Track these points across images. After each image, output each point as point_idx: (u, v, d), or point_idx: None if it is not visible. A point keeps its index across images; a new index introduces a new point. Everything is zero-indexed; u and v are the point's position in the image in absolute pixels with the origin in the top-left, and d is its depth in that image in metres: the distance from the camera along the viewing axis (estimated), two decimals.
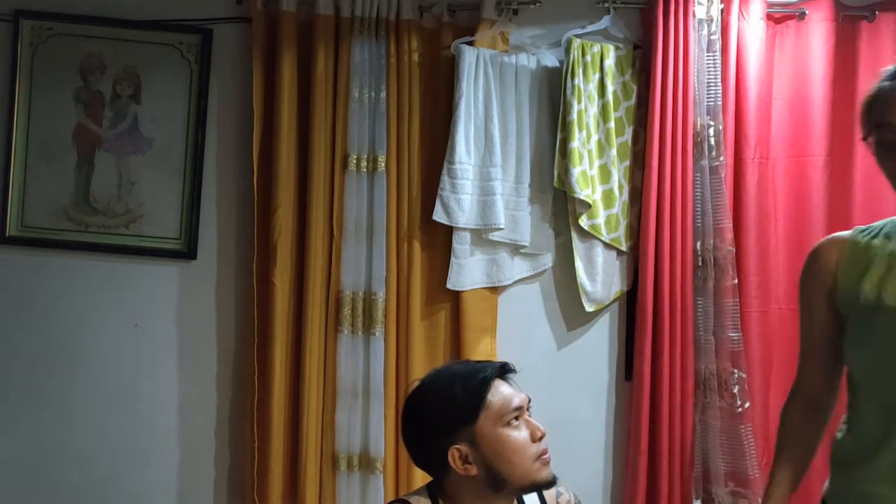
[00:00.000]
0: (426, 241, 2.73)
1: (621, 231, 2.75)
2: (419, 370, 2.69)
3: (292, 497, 2.68)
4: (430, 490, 1.66)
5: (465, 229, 2.69)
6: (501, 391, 1.62)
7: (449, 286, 2.70)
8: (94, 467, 2.78)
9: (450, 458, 1.59)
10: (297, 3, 2.70)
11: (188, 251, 2.78)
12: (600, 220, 2.72)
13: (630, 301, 2.78)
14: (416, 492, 1.68)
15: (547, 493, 1.74)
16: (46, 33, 2.76)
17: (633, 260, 2.78)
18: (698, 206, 2.70)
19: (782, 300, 2.77)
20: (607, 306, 2.80)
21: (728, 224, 2.68)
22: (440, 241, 2.74)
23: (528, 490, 1.64)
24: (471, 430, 1.58)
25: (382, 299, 2.68)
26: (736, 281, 2.69)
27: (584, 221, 2.70)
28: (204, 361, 2.80)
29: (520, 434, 1.60)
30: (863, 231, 1.73)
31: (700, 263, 2.70)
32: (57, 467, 2.78)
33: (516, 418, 1.61)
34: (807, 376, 1.79)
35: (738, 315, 2.69)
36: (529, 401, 1.67)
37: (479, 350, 2.69)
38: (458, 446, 1.59)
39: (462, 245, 2.70)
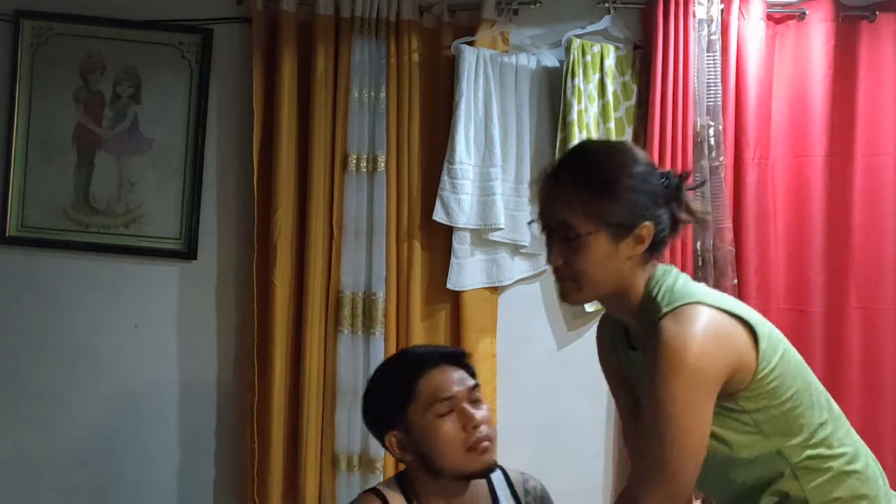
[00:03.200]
0: (426, 241, 2.73)
1: None
2: None
3: (292, 497, 2.68)
4: (398, 479, 1.71)
5: (465, 229, 2.69)
6: (436, 379, 1.63)
7: (449, 286, 2.70)
8: (94, 467, 2.78)
9: (387, 444, 1.66)
10: (297, 3, 2.70)
11: (188, 251, 2.78)
12: None
13: None
14: (386, 482, 1.73)
15: (514, 477, 1.77)
16: (46, 33, 2.76)
17: None
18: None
19: (782, 300, 2.77)
20: None
21: (728, 224, 2.68)
22: (440, 241, 2.74)
23: (463, 479, 1.64)
24: (404, 418, 1.63)
25: (382, 299, 2.68)
26: (736, 281, 2.69)
27: None
28: (204, 361, 2.80)
29: (450, 425, 1.61)
30: None
31: (700, 263, 2.70)
32: (57, 467, 2.78)
33: (450, 409, 1.61)
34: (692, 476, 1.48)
35: None
36: (476, 386, 1.67)
37: (480, 350, 2.69)
38: (393, 433, 1.65)
39: (462, 245, 2.70)
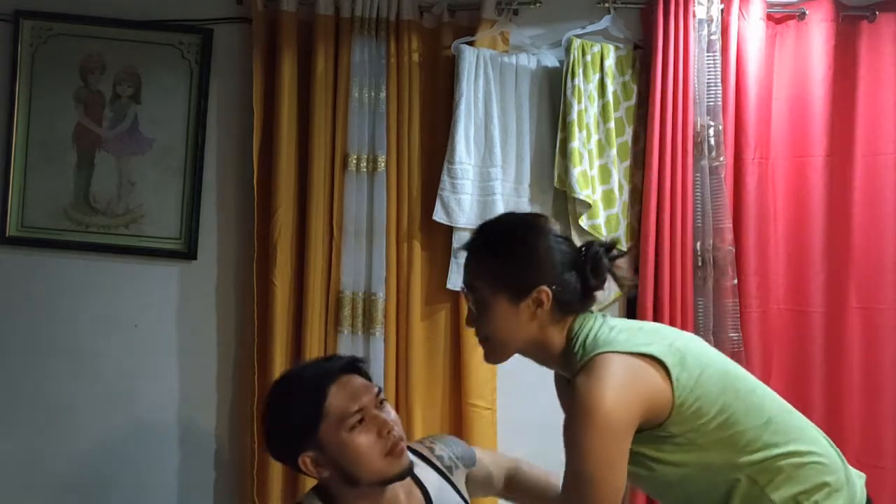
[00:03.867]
0: (426, 241, 2.73)
1: (621, 231, 2.75)
2: (419, 370, 2.69)
3: (292, 498, 2.68)
4: (317, 491, 1.69)
5: (465, 229, 2.69)
6: (342, 394, 1.60)
7: (449, 286, 2.70)
8: (94, 467, 2.78)
9: (301, 466, 1.63)
10: (297, 3, 2.70)
11: (188, 251, 2.77)
12: (600, 220, 2.72)
13: (630, 301, 2.78)
14: (305, 495, 1.72)
15: (425, 454, 1.77)
16: (46, 33, 2.76)
17: (634, 260, 2.78)
18: (698, 206, 2.70)
19: (782, 300, 2.78)
20: (607, 306, 2.79)
21: (728, 224, 2.68)
22: (440, 241, 2.74)
23: (384, 484, 1.63)
24: (315, 438, 1.60)
25: (382, 299, 2.68)
26: (736, 281, 2.69)
27: (584, 221, 2.70)
28: (204, 361, 2.79)
29: (364, 436, 1.59)
30: None
31: (700, 263, 2.70)
32: (57, 467, 2.77)
33: (360, 420, 1.59)
34: None
35: (738, 315, 2.69)
36: (380, 391, 1.65)
37: (480, 350, 2.67)
38: (307, 454, 1.62)
39: (462, 245, 2.70)
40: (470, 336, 2.68)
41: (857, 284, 2.75)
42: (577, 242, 2.69)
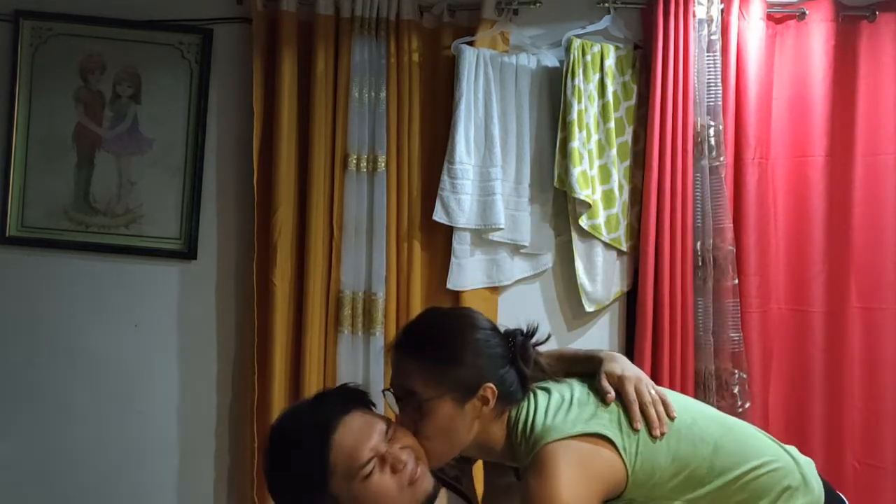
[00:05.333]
0: (426, 241, 2.73)
1: (621, 231, 2.75)
2: None
3: None
4: None
5: (465, 229, 2.69)
6: (347, 445, 1.47)
7: (449, 286, 2.70)
8: (94, 467, 2.78)
9: None
10: (297, 3, 2.70)
11: (188, 251, 2.78)
12: (600, 220, 2.72)
13: (630, 301, 2.78)
14: None
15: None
16: (46, 33, 2.76)
17: (634, 260, 2.78)
18: (698, 206, 2.70)
19: (782, 300, 2.78)
20: (607, 306, 2.80)
21: (728, 224, 2.68)
22: (440, 241, 2.74)
23: None
24: (326, 494, 1.49)
25: (382, 299, 2.68)
26: (736, 281, 2.69)
27: (584, 221, 2.70)
28: (204, 362, 2.79)
29: (380, 481, 1.48)
30: None
31: (700, 263, 2.70)
32: (57, 467, 2.78)
33: (372, 464, 1.47)
34: None
35: (739, 315, 2.69)
36: (388, 425, 1.52)
37: None
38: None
39: (462, 245, 2.70)
40: None
41: (857, 284, 2.75)
42: (578, 243, 2.74)
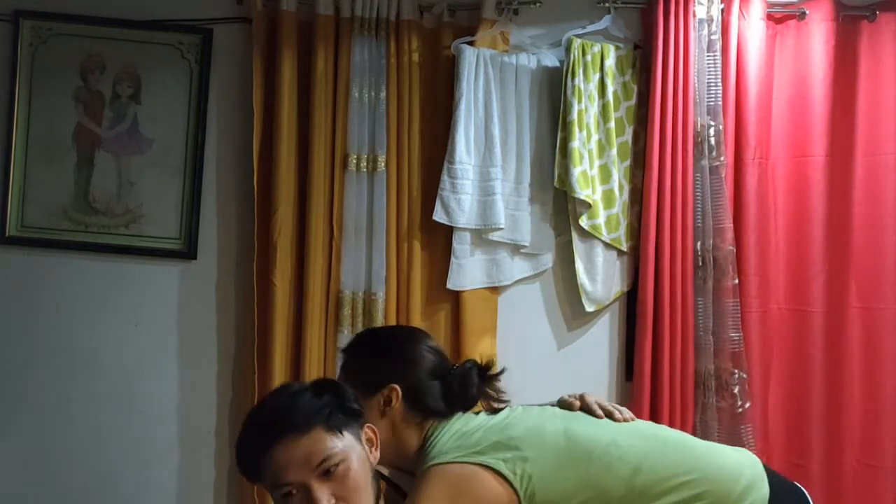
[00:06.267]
0: (426, 241, 2.73)
1: (621, 231, 2.75)
2: None
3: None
4: None
5: (465, 229, 2.69)
6: (276, 460, 1.43)
7: (449, 286, 2.70)
8: (94, 467, 2.78)
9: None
10: (297, 3, 2.70)
11: (188, 251, 2.77)
12: (600, 220, 2.72)
13: (630, 301, 2.78)
14: None
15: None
16: (46, 33, 2.76)
17: (634, 260, 2.78)
18: (698, 206, 2.70)
19: (782, 300, 2.78)
20: (607, 306, 2.80)
21: (728, 224, 2.68)
22: (440, 241, 2.74)
23: None
24: (259, 482, 1.50)
25: (382, 299, 2.68)
26: (736, 281, 2.69)
27: (584, 221, 2.70)
28: (204, 361, 2.79)
29: None
30: None
31: (700, 263, 2.70)
32: (56, 467, 2.78)
33: (289, 493, 1.42)
34: None
35: (739, 315, 2.69)
36: (326, 459, 1.41)
37: (480, 350, 2.68)
38: (256, 487, 1.53)
39: (462, 245, 2.70)
40: (470, 336, 2.70)
41: (857, 284, 2.75)
42: (578, 243, 2.74)
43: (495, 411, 1.70)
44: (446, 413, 1.67)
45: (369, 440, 1.52)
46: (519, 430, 1.62)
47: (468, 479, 1.53)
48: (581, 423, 1.68)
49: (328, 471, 1.42)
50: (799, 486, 1.79)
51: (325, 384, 1.54)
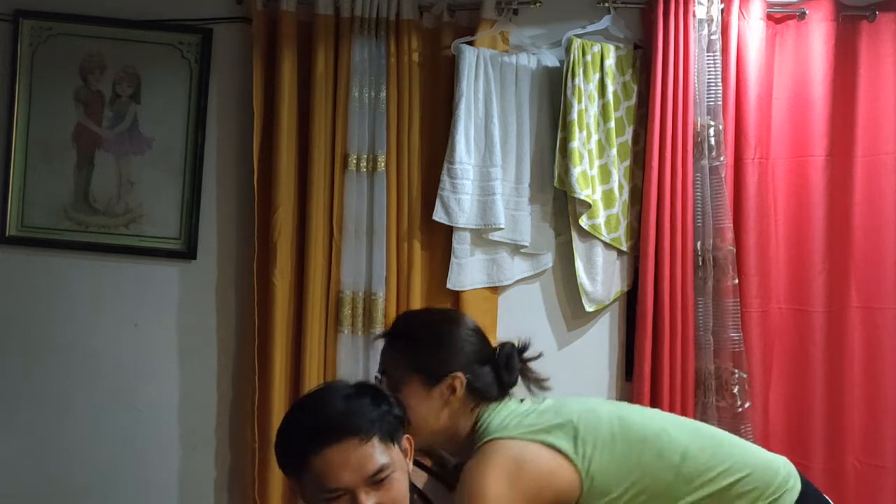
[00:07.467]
0: (426, 241, 2.73)
1: (621, 231, 2.75)
2: None
3: (293, 498, 2.68)
4: None
5: (465, 229, 2.69)
6: (328, 461, 1.41)
7: (449, 286, 2.70)
8: (94, 467, 2.78)
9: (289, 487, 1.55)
10: (297, 3, 2.70)
11: (188, 251, 2.77)
12: (600, 220, 2.72)
13: (630, 301, 2.78)
14: None
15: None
16: (46, 33, 2.76)
17: (634, 260, 2.78)
18: (698, 206, 2.70)
19: (782, 300, 2.78)
20: (607, 306, 2.80)
21: (728, 224, 2.68)
22: (440, 241, 2.74)
23: None
24: (298, 482, 1.47)
25: (382, 299, 2.68)
26: (736, 281, 2.69)
27: (584, 221, 2.70)
28: (204, 361, 2.79)
29: None
30: None
31: (700, 263, 2.70)
32: (56, 467, 2.78)
33: (339, 494, 1.41)
34: None
35: (739, 315, 2.69)
36: (380, 469, 1.42)
37: None
38: (290, 484, 1.51)
39: (462, 245, 2.70)
40: None
41: (857, 284, 2.75)
42: (578, 243, 2.74)
43: (537, 398, 1.72)
44: (498, 397, 1.69)
45: (405, 450, 1.53)
46: (574, 413, 1.64)
47: (531, 455, 1.56)
48: (631, 411, 1.73)
49: (379, 480, 1.43)
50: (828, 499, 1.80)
51: (375, 391, 1.54)
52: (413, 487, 1.59)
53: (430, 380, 1.65)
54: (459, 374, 1.66)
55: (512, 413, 1.65)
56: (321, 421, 1.45)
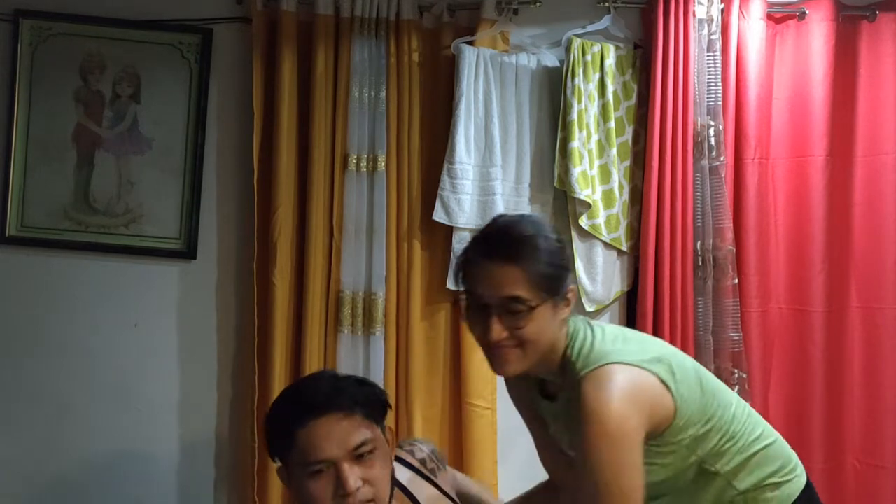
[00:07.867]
0: (426, 241, 2.73)
1: (621, 231, 2.75)
2: (419, 370, 2.69)
3: (292, 498, 2.68)
4: None
5: (465, 229, 2.69)
6: (313, 434, 1.47)
7: (449, 286, 2.70)
8: (94, 467, 2.78)
9: (277, 473, 1.60)
10: (297, 3, 2.70)
11: (188, 251, 2.77)
12: (600, 220, 2.72)
13: (630, 301, 2.78)
14: None
15: (411, 462, 1.76)
16: (46, 33, 2.75)
17: (634, 260, 2.78)
18: (698, 206, 2.70)
19: (782, 300, 2.78)
20: (607, 306, 2.80)
21: (728, 224, 2.68)
22: (440, 241, 2.74)
23: None
24: (286, 459, 1.53)
25: (382, 299, 2.68)
26: (736, 281, 2.69)
27: (584, 221, 2.70)
28: (204, 361, 2.79)
29: (321, 484, 1.47)
30: None
31: (700, 263, 2.70)
32: (56, 467, 2.77)
33: (320, 470, 1.47)
34: None
35: (739, 315, 2.69)
36: (363, 443, 1.48)
37: (480, 350, 2.67)
38: (281, 467, 1.57)
39: (462, 245, 2.67)
40: (470, 336, 2.69)
41: (857, 284, 2.75)
42: (578, 243, 2.75)
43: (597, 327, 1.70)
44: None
45: (387, 440, 1.56)
46: (661, 350, 1.67)
47: (647, 381, 1.58)
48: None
49: (361, 455, 1.48)
50: None
51: (361, 378, 1.61)
52: (396, 482, 1.60)
53: (558, 299, 1.62)
54: (573, 285, 1.67)
55: (608, 338, 1.64)
56: (306, 398, 1.52)
